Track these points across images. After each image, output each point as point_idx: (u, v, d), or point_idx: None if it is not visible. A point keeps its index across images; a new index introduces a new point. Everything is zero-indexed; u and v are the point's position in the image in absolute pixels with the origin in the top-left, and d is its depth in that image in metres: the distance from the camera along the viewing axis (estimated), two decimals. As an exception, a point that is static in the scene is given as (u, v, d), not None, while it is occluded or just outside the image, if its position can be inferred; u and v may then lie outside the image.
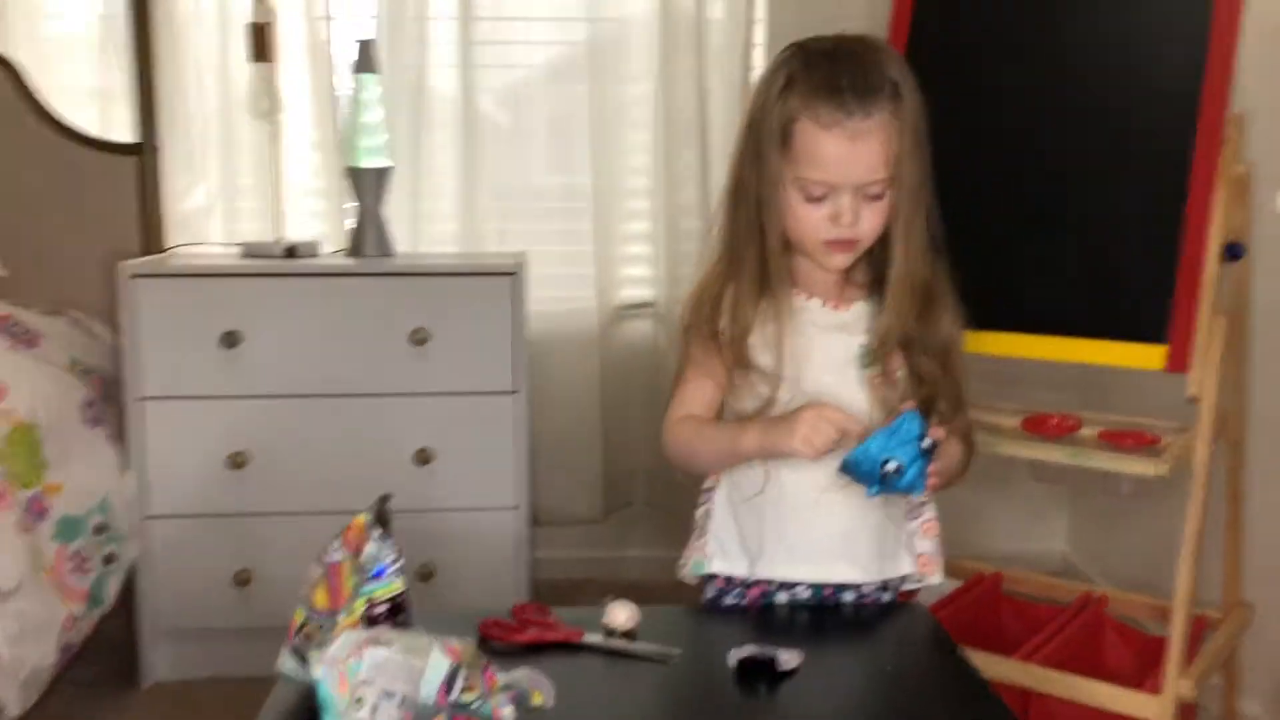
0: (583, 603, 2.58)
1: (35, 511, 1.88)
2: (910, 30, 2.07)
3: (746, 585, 1.35)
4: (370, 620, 1.04)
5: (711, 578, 1.38)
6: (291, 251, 2.26)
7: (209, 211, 2.53)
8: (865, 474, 1.17)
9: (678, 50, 2.57)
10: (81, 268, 2.36)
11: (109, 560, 2.04)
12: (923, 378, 1.29)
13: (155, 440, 2.14)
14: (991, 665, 1.81)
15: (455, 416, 2.20)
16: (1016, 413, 1.96)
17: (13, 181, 2.38)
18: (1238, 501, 1.97)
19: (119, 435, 2.14)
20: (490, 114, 2.62)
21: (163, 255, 2.39)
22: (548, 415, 2.66)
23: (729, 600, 1.36)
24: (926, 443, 1.16)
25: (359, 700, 0.90)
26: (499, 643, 1.18)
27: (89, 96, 2.47)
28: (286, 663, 1.09)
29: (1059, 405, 2.02)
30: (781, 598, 1.33)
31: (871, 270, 1.33)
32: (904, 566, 1.35)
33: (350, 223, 2.36)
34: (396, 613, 1.07)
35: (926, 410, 1.28)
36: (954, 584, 2.20)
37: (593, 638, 1.18)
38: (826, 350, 1.31)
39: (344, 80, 2.44)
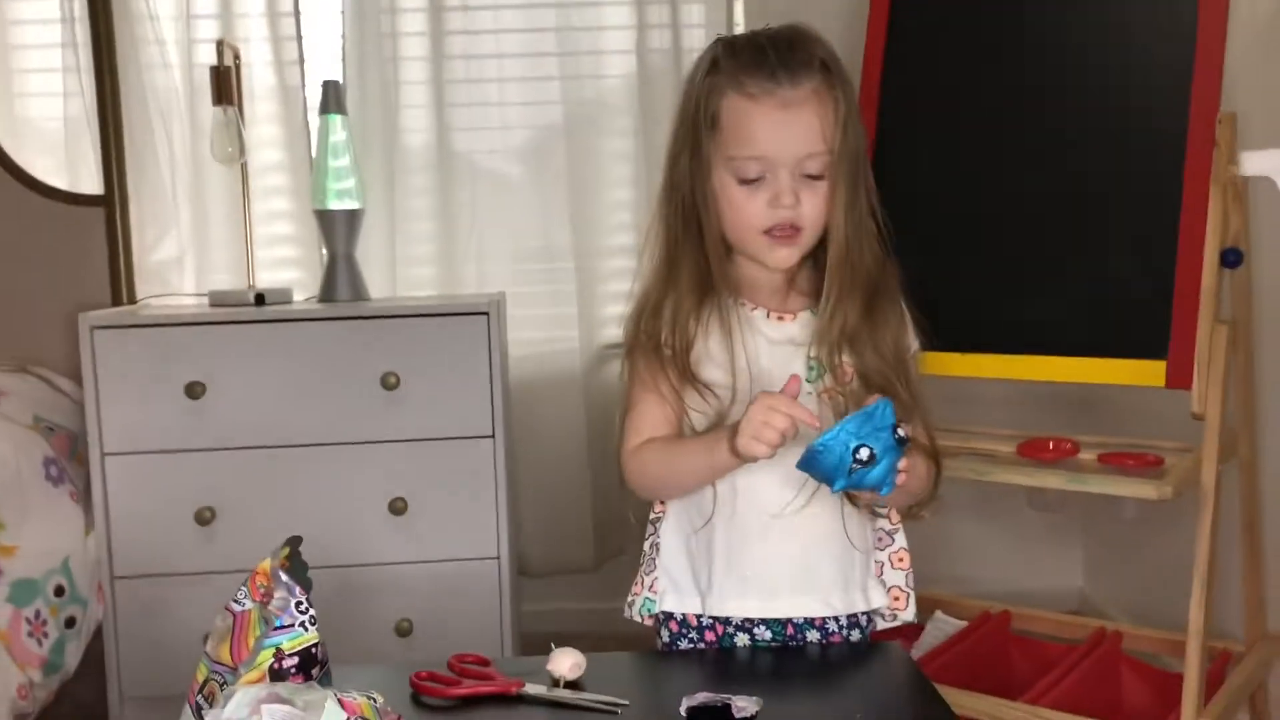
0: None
1: (-13, 575, 1.81)
2: (888, 34, 1.99)
3: (702, 629, 1.25)
4: (277, 675, 0.95)
5: (669, 617, 1.27)
6: (261, 299, 2.20)
7: (180, 262, 2.47)
8: (832, 464, 1.04)
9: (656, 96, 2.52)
10: (48, 322, 2.30)
11: (70, 624, 1.96)
12: (871, 380, 1.19)
13: (119, 497, 2.06)
14: (998, 710, 1.70)
15: (432, 463, 2.11)
16: (1011, 438, 1.86)
17: (-23, 236, 2.34)
18: (1254, 525, 1.85)
19: (84, 494, 2.07)
20: (468, 156, 2.56)
21: (131, 307, 2.33)
22: (533, 460, 2.57)
23: (684, 645, 1.26)
24: (902, 431, 1.05)
25: (251, 763, 0.81)
26: (432, 697, 1.08)
27: (54, 146, 2.42)
28: (190, 725, 0.99)
29: (1055, 428, 1.92)
30: (742, 639, 1.23)
31: (816, 277, 1.24)
32: (875, 599, 1.24)
33: (328, 268, 2.30)
34: (310, 665, 0.98)
35: None
36: (959, 624, 2.09)
37: (535, 688, 1.09)
38: (771, 365, 1.21)
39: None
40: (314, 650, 0.98)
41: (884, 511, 1.24)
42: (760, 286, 1.24)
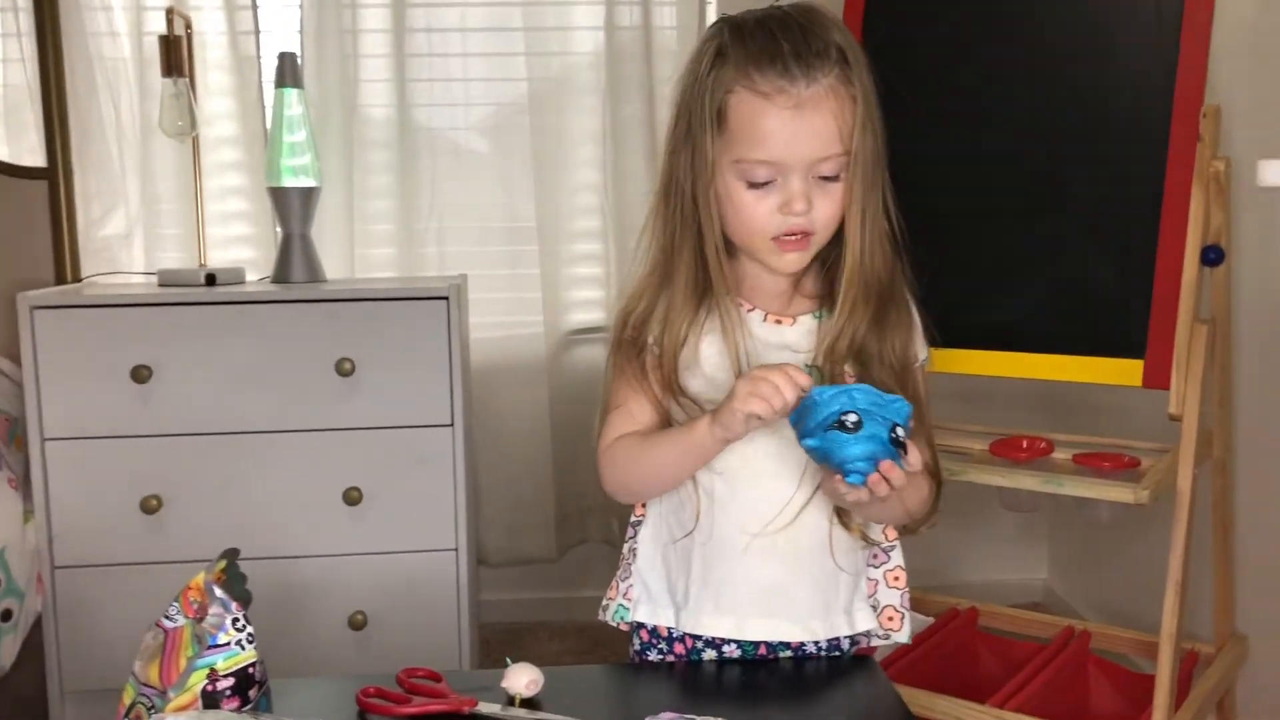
0: (535, 648, 2.48)
1: (-83, 566, 1.72)
2: (864, 26, 1.94)
3: (672, 640, 1.19)
4: (210, 698, 0.89)
5: (640, 625, 1.21)
6: (212, 279, 2.12)
7: (128, 239, 2.38)
8: (818, 416, 0.97)
9: (625, 64, 2.45)
10: (-13, 301, 2.20)
11: (6, 616, 1.87)
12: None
13: (60, 484, 1.98)
14: (965, 713, 1.67)
15: (388, 452, 2.04)
16: (984, 436, 1.82)
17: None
18: (1227, 527, 1.82)
19: (24, 480, 1.99)
20: (429, 131, 2.48)
21: (75, 286, 2.24)
22: (494, 448, 2.52)
23: (653, 656, 1.20)
24: (901, 432, 0.97)
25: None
26: (378, 715, 1.02)
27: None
28: (118, 748, 0.93)
29: (1030, 426, 1.88)
30: (711, 654, 1.17)
31: (824, 278, 1.15)
32: (860, 623, 1.16)
33: (281, 248, 2.22)
34: (247, 686, 0.91)
35: None
36: (926, 621, 2.05)
37: (489, 707, 1.03)
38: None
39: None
40: (251, 670, 0.92)
41: (878, 540, 1.17)
42: (762, 288, 1.16)
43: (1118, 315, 1.64)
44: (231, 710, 0.89)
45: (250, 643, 0.92)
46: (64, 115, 2.26)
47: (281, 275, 2.18)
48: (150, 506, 1.99)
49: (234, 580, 0.93)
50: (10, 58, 2.27)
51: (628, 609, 1.20)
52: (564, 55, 2.49)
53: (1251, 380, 1.87)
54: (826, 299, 1.15)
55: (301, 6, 2.39)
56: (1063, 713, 1.75)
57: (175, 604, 0.94)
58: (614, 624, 1.22)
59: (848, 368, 1.12)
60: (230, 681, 0.90)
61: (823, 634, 1.14)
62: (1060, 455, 1.75)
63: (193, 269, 2.19)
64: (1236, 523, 1.86)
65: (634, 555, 1.21)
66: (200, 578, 0.92)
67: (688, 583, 1.15)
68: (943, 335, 1.65)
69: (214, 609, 0.91)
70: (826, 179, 1.08)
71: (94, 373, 1.97)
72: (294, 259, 2.18)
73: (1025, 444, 1.76)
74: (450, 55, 2.46)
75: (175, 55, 2.14)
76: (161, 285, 2.13)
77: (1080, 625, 1.98)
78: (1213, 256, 1.61)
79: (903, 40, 1.91)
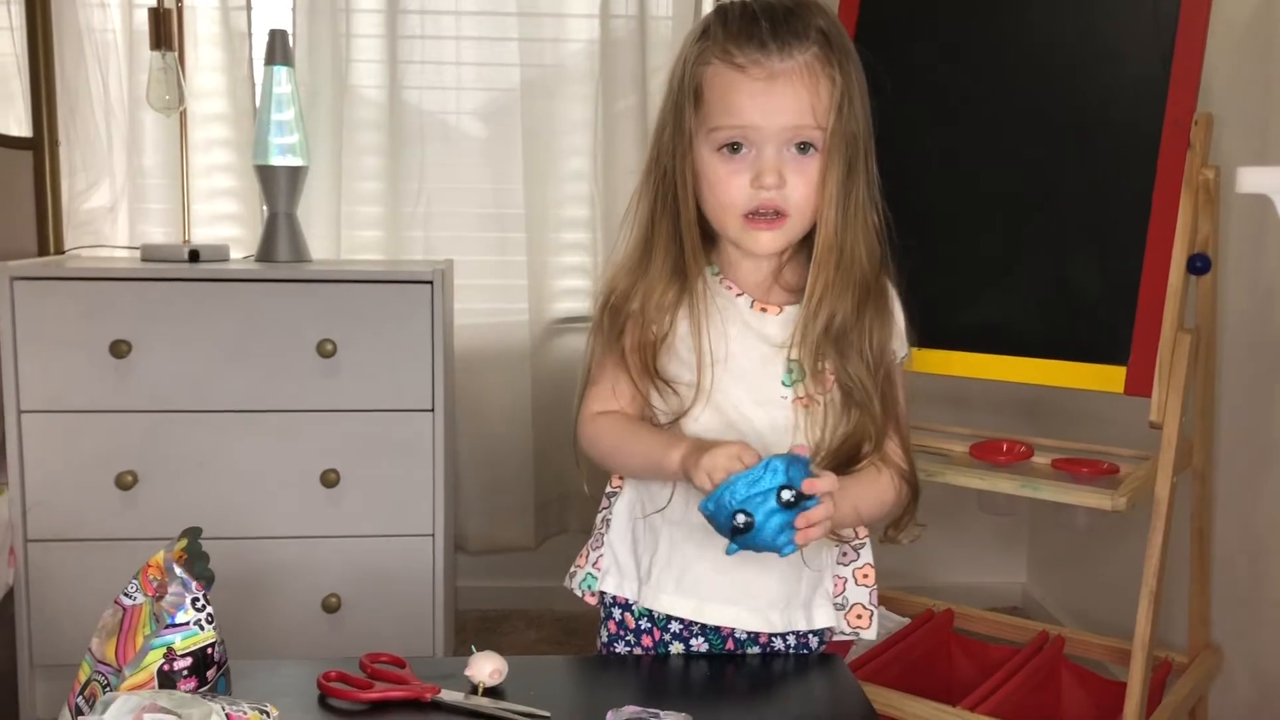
0: (510, 636, 2.48)
1: (-113, 535, 1.71)
2: (858, 24, 1.93)
3: (639, 633, 1.18)
4: (166, 677, 0.87)
5: (608, 616, 1.20)
6: (195, 255, 2.10)
7: (112, 212, 2.36)
8: (721, 525, 0.99)
9: (619, 53, 2.43)
10: (-32, 271, 2.18)
11: (-24, 589, 1.86)
12: (852, 392, 1.11)
13: (35, 457, 1.97)
14: (937, 715, 1.66)
15: (367, 435, 2.03)
16: (964, 438, 1.81)
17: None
18: (1204, 536, 1.82)
19: (-1, 452, 1.97)
20: (420, 114, 2.46)
21: (57, 258, 2.22)
22: (475, 435, 2.50)
23: (620, 648, 1.19)
24: (787, 495, 0.96)
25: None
26: (339, 700, 1.01)
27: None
28: (70, 725, 0.92)
29: (1010, 430, 1.88)
30: (678, 648, 1.16)
31: (805, 272, 1.13)
32: (819, 620, 1.16)
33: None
34: (204, 667, 0.90)
35: (854, 444, 1.11)
36: (901, 621, 2.05)
37: (451, 695, 1.02)
38: (746, 360, 1.12)
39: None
40: (210, 651, 0.91)
41: (848, 538, 1.17)
42: (742, 275, 1.15)
43: (1102, 321, 1.63)
44: (188, 690, 0.88)
45: (210, 623, 0.91)
46: (51, 86, 2.24)
47: (266, 254, 2.16)
48: (125, 482, 1.97)
49: (195, 559, 0.92)
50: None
51: (595, 578, 1.20)
52: (558, 42, 2.48)
53: (1233, 390, 1.86)
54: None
55: (294, -16, 2.37)
56: (1035, 717, 1.75)
57: (135, 581, 0.93)
58: (579, 593, 1.21)
59: (827, 364, 1.11)
60: (188, 661, 0.89)
61: (780, 626, 1.13)
62: (1040, 460, 1.74)
63: (176, 245, 2.17)
64: (1214, 533, 1.85)
65: (607, 526, 1.21)
66: (160, 556, 0.91)
67: (652, 559, 1.15)
68: (927, 336, 1.64)
69: (173, 588, 0.90)
70: (801, 155, 1.07)
71: (73, 346, 1.96)
72: (279, 238, 2.16)
73: (1005, 447, 1.75)
74: (444, 38, 2.44)
75: (165, 29, 2.12)
76: (144, 260, 2.12)
77: (1055, 630, 1.98)
78: (1199, 265, 1.60)
79: (895, 42, 1.90)
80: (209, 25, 2.35)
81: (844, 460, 1.11)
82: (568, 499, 2.56)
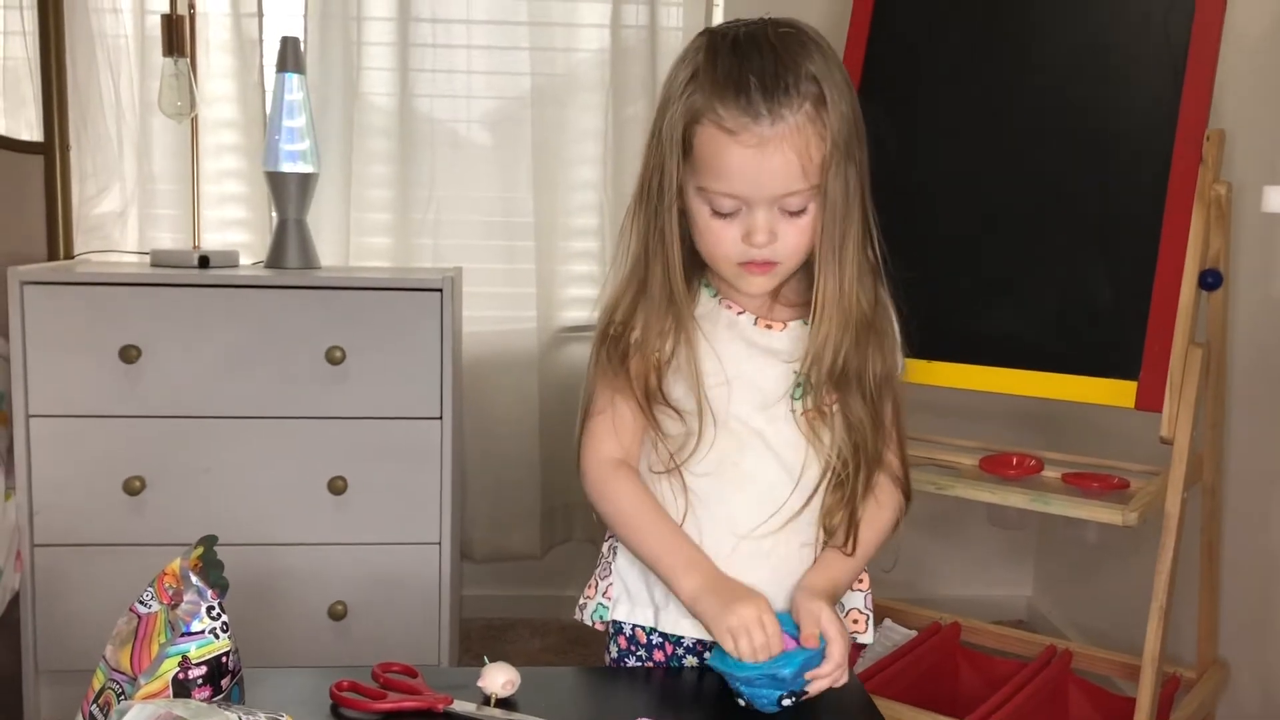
0: (515, 645, 2.47)
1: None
2: (869, 38, 1.93)
3: (650, 648, 1.18)
4: (181, 686, 0.87)
5: (618, 631, 1.20)
6: (205, 261, 2.10)
7: (122, 217, 2.36)
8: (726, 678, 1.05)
9: (629, 63, 2.44)
10: (-21, 275, 2.18)
11: (-16, 593, 1.86)
12: (853, 424, 1.11)
13: (44, 461, 1.97)
14: (943, 728, 1.66)
15: (375, 443, 2.03)
16: (974, 451, 1.81)
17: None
18: (1213, 552, 1.82)
19: (7, 456, 1.97)
20: (430, 122, 2.47)
21: (67, 263, 2.22)
22: (482, 442, 2.50)
23: (632, 662, 1.19)
24: (787, 702, 1.03)
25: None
26: (352, 710, 1.01)
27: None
28: (85, 733, 0.92)
29: (1019, 443, 1.88)
30: (691, 660, 1.16)
31: (803, 287, 1.14)
32: None
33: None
34: (219, 676, 0.90)
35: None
36: (909, 634, 2.05)
37: (465, 706, 1.02)
38: (755, 378, 1.13)
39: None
40: (224, 659, 0.91)
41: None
42: (742, 295, 1.15)
43: (1113, 336, 1.63)
44: (202, 699, 0.88)
45: (225, 632, 0.91)
46: (63, 90, 2.25)
47: (275, 260, 2.16)
48: (133, 488, 1.97)
49: (210, 567, 0.92)
50: (11, 30, 2.25)
51: (607, 608, 1.19)
52: (569, 51, 2.48)
53: (1243, 405, 1.86)
54: (809, 306, 1.13)
55: (306, -9, 2.38)
56: (1041, 732, 1.75)
57: (150, 589, 0.92)
58: (591, 624, 1.21)
59: (825, 394, 1.12)
60: (202, 670, 0.89)
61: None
62: (1050, 474, 1.74)
63: (186, 250, 2.17)
64: (1223, 548, 1.85)
65: (614, 554, 1.20)
66: (176, 564, 0.91)
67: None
68: (937, 349, 1.64)
69: (189, 596, 0.90)
70: (793, 212, 1.06)
71: (82, 351, 1.96)
72: (289, 244, 2.16)
73: (1015, 461, 1.75)
74: (454, 46, 2.45)
75: (177, 35, 2.13)
76: (154, 266, 2.12)
77: (1063, 645, 1.98)
78: (1211, 280, 1.60)
79: (907, 58, 1.90)
80: (221, 32, 2.35)
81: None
82: (573, 507, 2.55)
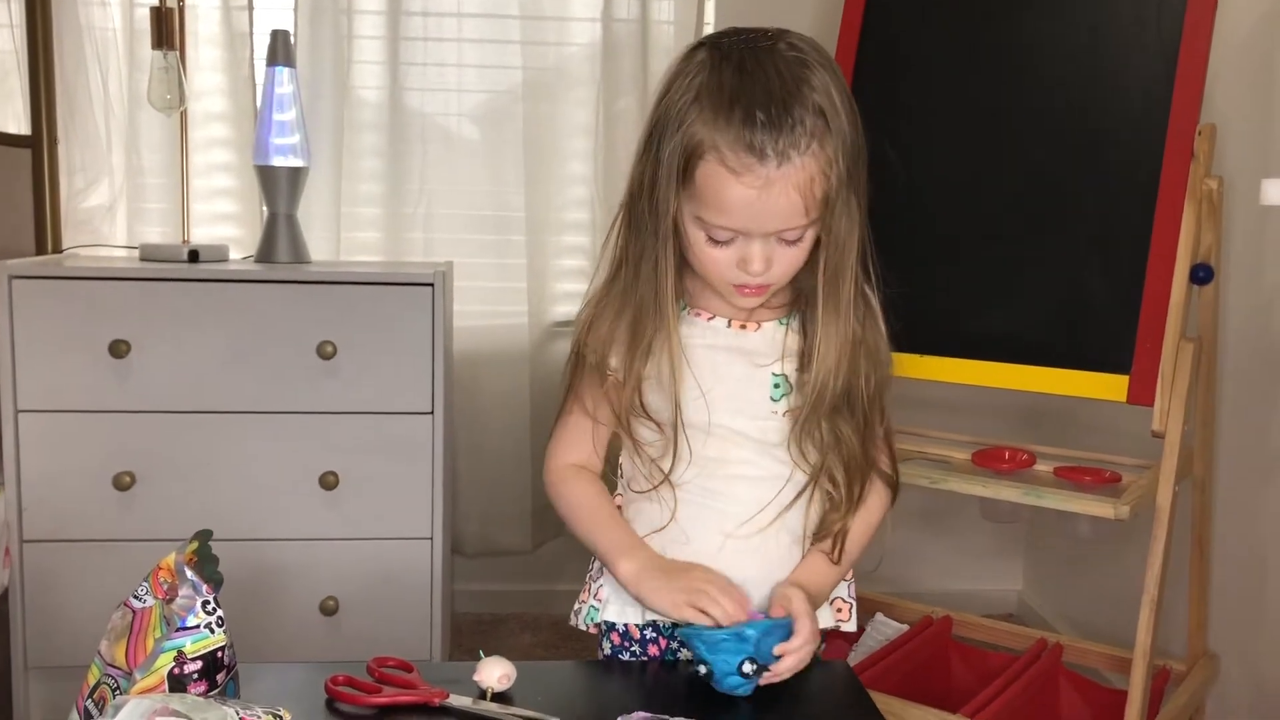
0: (507, 639, 2.47)
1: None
2: (861, 37, 1.93)
3: (645, 643, 1.18)
4: (177, 681, 0.87)
5: (611, 628, 1.20)
6: (195, 256, 2.09)
7: (111, 211, 2.35)
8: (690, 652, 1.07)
9: (620, 57, 2.44)
10: (-34, 269, 2.17)
11: (-28, 589, 1.85)
12: (840, 439, 1.12)
13: (32, 457, 1.95)
14: (936, 722, 1.67)
15: (366, 438, 2.02)
16: (966, 445, 1.82)
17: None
18: (1204, 545, 1.83)
19: (-5, 451, 1.96)
20: (421, 116, 2.46)
21: (56, 256, 2.21)
22: (473, 437, 2.50)
23: (626, 658, 1.19)
24: (748, 668, 1.02)
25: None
26: (347, 704, 1.01)
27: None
28: (78, 728, 0.91)
29: (1011, 437, 1.88)
30: (685, 655, 1.16)
31: (783, 288, 1.13)
32: (823, 620, 1.17)
33: (268, 227, 2.20)
34: (214, 670, 0.90)
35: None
36: (900, 628, 2.05)
37: (460, 700, 1.01)
38: (733, 382, 1.12)
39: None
40: (220, 654, 0.90)
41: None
42: (717, 302, 1.14)
43: (1105, 330, 1.64)
44: (198, 694, 0.87)
45: (220, 626, 0.90)
46: (51, 83, 2.23)
47: (266, 255, 2.15)
48: (123, 483, 1.96)
49: (205, 562, 0.91)
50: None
51: (598, 609, 1.19)
52: (560, 45, 2.48)
53: (1234, 399, 1.87)
54: (790, 305, 1.15)
55: (296, -16, 2.37)
56: (1033, 725, 1.75)
57: (144, 584, 0.92)
58: (585, 627, 1.21)
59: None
60: (198, 665, 0.88)
61: None
62: (1042, 467, 1.75)
63: (175, 245, 2.16)
64: (1213, 542, 1.86)
65: None
66: (171, 558, 0.91)
67: None
68: (930, 344, 1.64)
69: (184, 590, 0.90)
70: (789, 242, 1.06)
71: (71, 345, 1.94)
72: (279, 239, 2.15)
73: (1007, 455, 1.76)
74: (445, 40, 2.44)
75: (166, 28, 2.11)
76: (143, 260, 2.11)
77: (1053, 638, 1.98)
78: (1202, 275, 1.61)
79: (899, 56, 1.90)
80: (210, 25, 2.34)
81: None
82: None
